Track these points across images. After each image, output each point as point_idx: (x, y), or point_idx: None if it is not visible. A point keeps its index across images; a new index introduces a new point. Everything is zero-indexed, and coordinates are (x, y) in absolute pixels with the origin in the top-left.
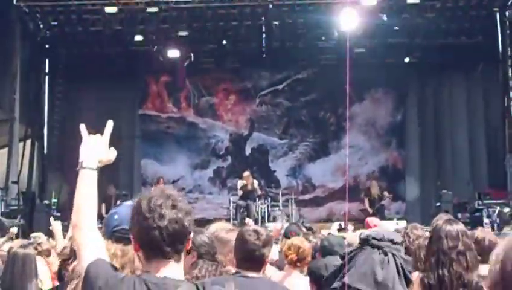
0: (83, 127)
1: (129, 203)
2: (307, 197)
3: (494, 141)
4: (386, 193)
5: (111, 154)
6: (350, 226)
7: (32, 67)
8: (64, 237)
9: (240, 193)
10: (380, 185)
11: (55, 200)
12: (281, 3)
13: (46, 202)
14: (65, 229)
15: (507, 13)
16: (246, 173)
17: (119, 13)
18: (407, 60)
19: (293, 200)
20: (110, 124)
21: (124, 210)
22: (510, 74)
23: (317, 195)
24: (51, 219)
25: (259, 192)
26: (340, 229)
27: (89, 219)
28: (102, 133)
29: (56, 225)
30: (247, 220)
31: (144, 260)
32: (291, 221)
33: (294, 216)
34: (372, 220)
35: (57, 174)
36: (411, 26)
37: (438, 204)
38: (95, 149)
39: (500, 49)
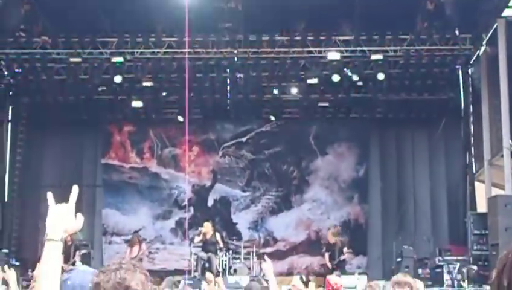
0: (50, 196)
1: (82, 268)
2: (268, 250)
3: (455, 198)
4: (345, 249)
5: (78, 223)
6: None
7: None
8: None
9: (198, 239)
10: (340, 240)
11: (14, 249)
12: (246, 56)
13: (6, 250)
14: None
15: (470, 71)
16: (207, 224)
17: (84, 62)
18: (370, 115)
19: (254, 253)
20: (75, 190)
21: (77, 276)
22: (472, 131)
23: (279, 248)
24: (5, 266)
25: (221, 244)
26: (303, 282)
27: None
28: (65, 186)
29: (11, 274)
30: (208, 275)
31: None
32: (251, 274)
33: (255, 269)
34: (332, 278)
35: (17, 222)
36: (374, 81)
37: (399, 259)
38: (61, 219)
39: (463, 106)
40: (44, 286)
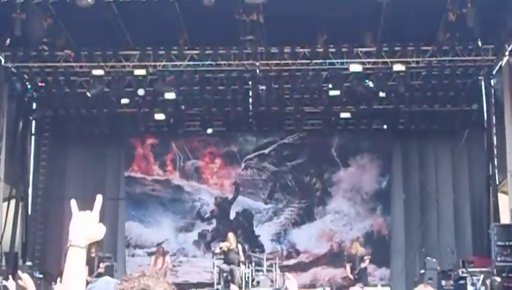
0: (73, 203)
1: (106, 278)
2: (291, 262)
3: (478, 209)
4: (365, 257)
5: (100, 231)
6: None
7: (18, 128)
8: None
9: (221, 247)
10: (359, 249)
11: (38, 262)
12: (268, 69)
13: (29, 263)
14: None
15: (492, 81)
16: (231, 234)
17: (106, 75)
18: (392, 126)
19: (277, 265)
20: (99, 198)
21: (101, 284)
22: (495, 142)
23: (302, 260)
24: (19, 272)
25: (242, 257)
26: None
27: None
28: (88, 199)
29: (25, 278)
30: (232, 287)
31: None
32: (274, 286)
33: (278, 281)
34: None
35: (41, 235)
36: (397, 92)
37: (423, 271)
38: (84, 227)
39: (486, 116)
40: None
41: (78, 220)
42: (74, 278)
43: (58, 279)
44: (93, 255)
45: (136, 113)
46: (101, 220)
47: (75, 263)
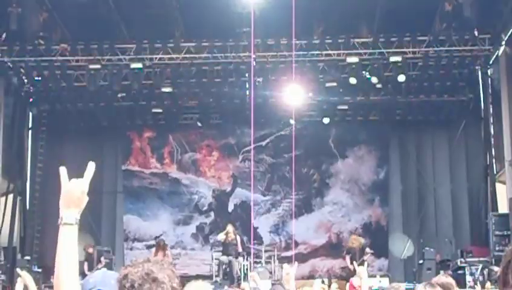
0: (63, 171)
1: (104, 269)
2: (289, 253)
3: (476, 199)
4: (367, 249)
5: (83, 201)
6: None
7: (15, 122)
8: None
9: (221, 237)
10: (360, 242)
11: (36, 256)
12: (265, 60)
13: (27, 257)
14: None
15: (489, 71)
16: (230, 226)
17: (103, 69)
18: (389, 117)
19: (275, 257)
20: (91, 166)
21: (98, 275)
22: (492, 132)
23: (300, 251)
24: (18, 269)
25: (240, 249)
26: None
27: (70, 275)
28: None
29: (25, 275)
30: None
31: None
32: (274, 278)
33: (277, 273)
34: (355, 280)
35: (39, 229)
36: (393, 83)
37: (421, 261)
38: (74, 199)
39: (482, 106)
40: (64, 275)
41: (67, 191)
42: (67, 257)
43: None
44: (91, 251)
45: (133, 106)
46: (99, 214)
47: (67, 241)
